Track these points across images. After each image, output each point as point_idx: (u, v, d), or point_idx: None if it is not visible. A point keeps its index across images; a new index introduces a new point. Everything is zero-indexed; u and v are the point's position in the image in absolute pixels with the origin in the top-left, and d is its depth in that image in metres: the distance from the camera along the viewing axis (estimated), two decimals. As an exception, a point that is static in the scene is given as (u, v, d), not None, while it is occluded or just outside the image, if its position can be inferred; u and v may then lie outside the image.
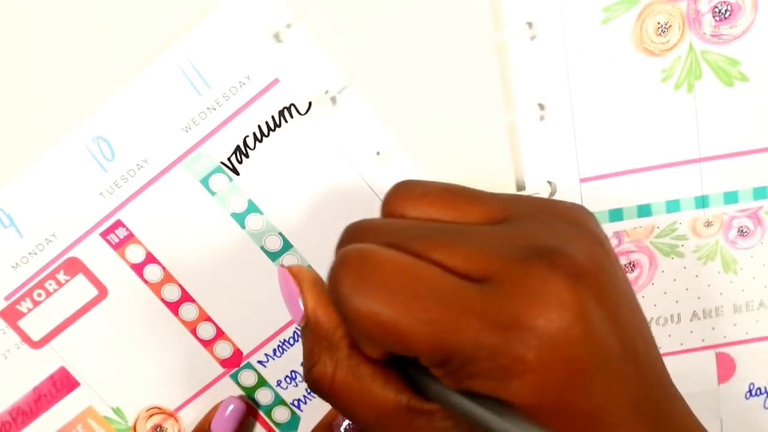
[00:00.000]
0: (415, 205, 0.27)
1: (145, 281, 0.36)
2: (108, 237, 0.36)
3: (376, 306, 0.24)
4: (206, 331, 0.37)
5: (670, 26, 0.35)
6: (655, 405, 0.26)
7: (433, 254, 0.25)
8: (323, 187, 0.35)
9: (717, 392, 0.39)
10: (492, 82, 0.35)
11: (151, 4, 0.33)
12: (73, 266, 0.36)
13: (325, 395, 0.27)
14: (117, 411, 0.38)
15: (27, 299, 0.36)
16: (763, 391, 0.39)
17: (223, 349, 0.37)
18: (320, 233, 0.36)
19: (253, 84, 0.34)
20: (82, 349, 0.37)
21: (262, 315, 0.37)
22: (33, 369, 0.37)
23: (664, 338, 0.38)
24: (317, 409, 0.38)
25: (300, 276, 0.28)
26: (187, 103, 0.34)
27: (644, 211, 0.37)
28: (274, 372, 0.38)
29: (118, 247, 0.36)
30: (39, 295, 0.36)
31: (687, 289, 0.38)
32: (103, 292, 0.36)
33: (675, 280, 0.38)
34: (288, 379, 0.38)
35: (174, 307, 0.37)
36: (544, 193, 0.36)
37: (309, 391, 0.38)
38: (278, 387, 0.38)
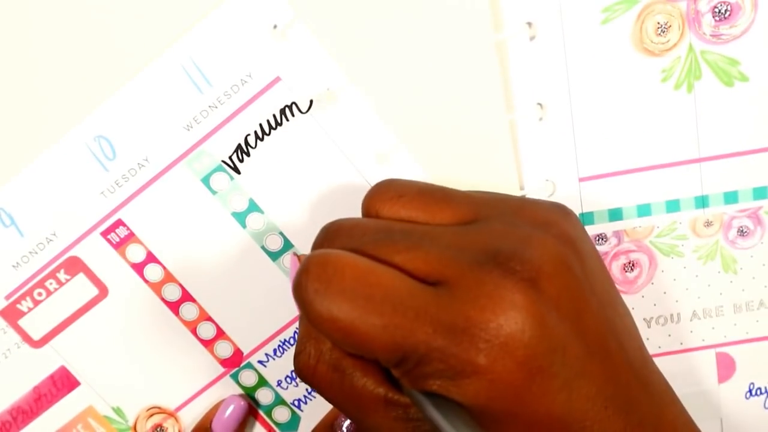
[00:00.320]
0: (389, 206, 0.29)
1: (146, 281, 0.36)
2: (109, 236, 0.36)
3: (334, 311, 0.25)
4: (206, 330, 0.37)
5: (670, 26, 0.35)
6: (629, 401, 0.26)
7: (395, 258, 0.27)
8: (324, 187, 0.35)
9: (717, 392, 0.39)
10: (492, 82, 0.35)
11: (153, 3, 0.33)
12: (74, 265, 0.36)
13: (308, 384, 0.29)
14: (117, 411, 0.38)
15: (27, 298, 0.36)
16: (763, 390, 0.39)
17: (224, 349, 0.37)
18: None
19: (255, 82, 0.34)
20: (83, 348, 0.37)
21: (263, 315, 0.37)
22: (33, 368, 0.37)
23: (664, 338, 0.38)
24: (318, 409, 0.38)
25: None
26: (189, 102, 0.34)
27: (644, 210, 0.37)
28: (274, 372, 0.38)
29: (119, 246, 0.36)
30: (39, 294, 0.36)
31: (687, 289, 0.38)
32: (103, 291, 0.36)
33: (675, 279, 0.38)
34: (288, 379, 0.38)
35: (174, 306, 0.37)
36: (544, 192, 0.36)
37: (309, 391, 0.38)
38: (278, 387, 0.38)
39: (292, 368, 0.38)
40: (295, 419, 0.39)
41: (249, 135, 0.35)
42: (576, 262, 0.27)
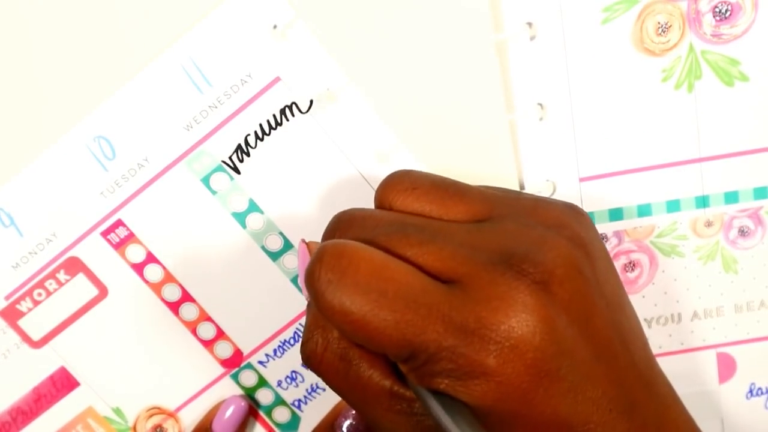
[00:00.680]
0: (403, 198, 0.29)
1: (146, 281, 0.36)
2: (108, 236, 0.36)
3: (347, 304, 0.25)
4: (206, 331, 0.37)
5: (671, 26, 0.35)
6: (633, 403, 0.26)
7: (408, 252, 0.26)
8: (324, 187, 0.35)
9: (718, 392, 0.39)
10: (492, 82, 0.35)
11: (153, 3, 0.33)
12: (74, 266, 0.36)
13: (315, 372, 0.28)
14: (117, 411, 0.38)
15: (27, 299, 0.36)
16: (764, 391, 0.39)
17: (224, 350, 0.37)
18: (321, 233, 0.36)
19: (255, 82, 0.34)
20: (82, 349, 0.37)
21: (263, 315, 0.37)
22: (33, 369, 0.37)
23: (664, 338, 0.38)
24: (318, 409, 0.38)
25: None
26: (189, 102, 0.34)
27: (644, 210, 0.37)
28: (274, 372, 0.38)
29: (119, 246, 0.36)
30: (39, 294, 0.36)
31: (688, 289, 0.38)
32: (103, 291, 0.36)
33: (675, 280, 0.38)
34: (288, 380, 0.38)
35: (174, 307, 0.37)
36: (544, 192, 0.36)
37: (309, 391, 0.38)
38: (279, 387, 0.38)
39: (292, 368, 0.38)
40: (295, 420, 0.39)
41: (249, 135, 0.35)
42: (587, 265, 0.27)
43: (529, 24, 0.34)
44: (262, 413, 0.38)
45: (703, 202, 0.37)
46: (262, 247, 0.36)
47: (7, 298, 0.36)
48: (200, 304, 0.37)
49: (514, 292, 0.25)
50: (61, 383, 0.37)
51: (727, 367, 0.39)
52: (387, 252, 0.26)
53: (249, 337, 0.37)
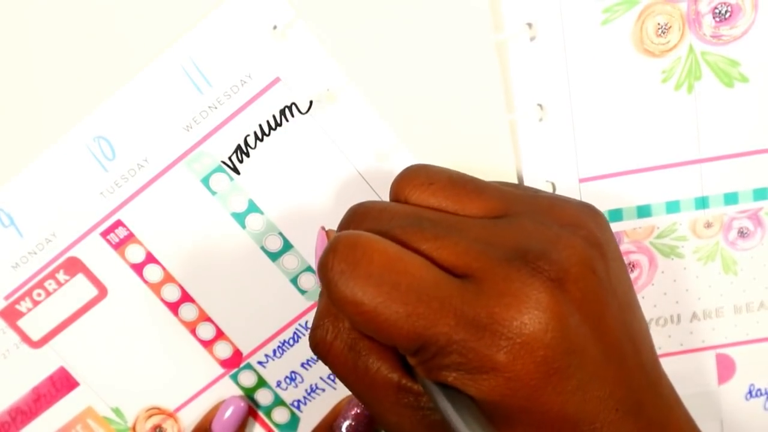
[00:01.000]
0: (419, 192, 0.29)
1: (145, 281, 0.36)
2: (108, 237, 0.36)
3: (359, 295, 0.25)
4: (206, 331, 0.37)
5: (670, 27, 0.35)
6: (639, 404, 0.26)
7: (422, 245, 0.26)
8: (324, 187, 0.35)
9: (717, 393, 0.39)
10: (492, 83, 0.35)
11: (153, 3, 0.33)
12: (73, 266, 0.36)
13: (322, 359, 0.28)
14: (116, 411, 0.38)
15: (27, 299, 0.36)
16: (763, 392, 0.39)
17: (223, 350, 0.37)
18: (320, 233, 0.36)
19: (255, 83, 0.34)
20: (82, 349, 0.37)
21: (263, 315, 0.37)
22: (32, 369, 0.37)
23: (664, 339, 0.38)
24: (317, 410, 0.38)
25: None
26: (189, 102, 0.34)
27: (644, 211, 0.37)
28: (273, 373, 0.38)
29: (118, 246, 0.36)
30: (39, 294, 0.36)
31: (687, 290, 0.38)
32: (103, 292, 0.36)
33: (675, 280, 0.38)
34: (288, 380, 0.38)
35: (174, 307, 0.37)
36: (544, 193, 0.36)
37: (309, 392, 0.38)
38: (278, 388, 0.38)
39: (292, 369, 0.38)
40: (294, 420, 0.38)
41: (249, 135, 0.35)
42: (601, 266, 0.27)
43: (529, 24, 0.34)
44: (261, 414, 0.38)
45: (702, 203, 0.37)
46: (262, 248, 0.36)
47: (6, 298, 0.36)
48: (200, 305, 0.37)
49: (528, 288, 0.25)
50: (61, 383, 0.37)
51: (726, 368, 0.39)
52: (401, 245, 0.26)
53: (248, 337, 0.37)
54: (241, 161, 0.35)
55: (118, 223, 0.36)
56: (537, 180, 0.36)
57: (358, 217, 0.28)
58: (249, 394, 0.38)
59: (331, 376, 0.38)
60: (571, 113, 0.35)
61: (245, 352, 0.37)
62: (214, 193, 0.35)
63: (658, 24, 0.35)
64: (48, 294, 0.36)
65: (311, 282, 0.37)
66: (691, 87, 0.35)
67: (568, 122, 0.35)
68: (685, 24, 0.35)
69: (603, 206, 0.36)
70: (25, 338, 0.36)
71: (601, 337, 0.26)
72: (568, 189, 0.36)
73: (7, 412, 0.37)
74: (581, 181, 0.36)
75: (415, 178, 0.29)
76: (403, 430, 0.28)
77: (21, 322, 0.36)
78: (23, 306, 0.36)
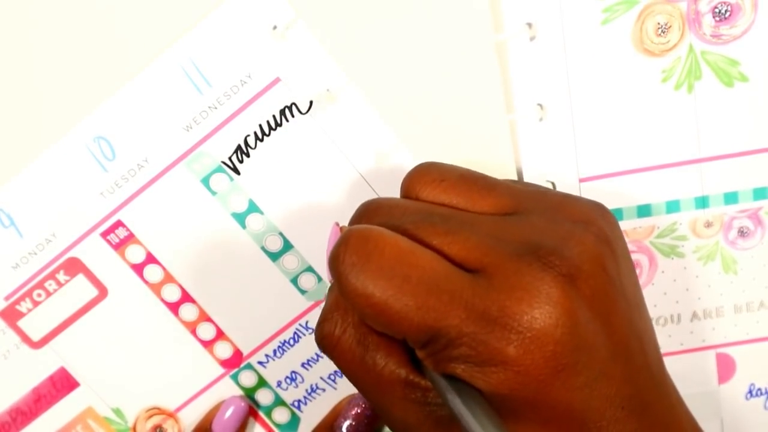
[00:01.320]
0: (430, 189, 0.29)
1: (145, 281, 0.36)
2: (108, 237, 0.36)
3: (370, 287, 0.25)
4: (206, 331, 0.37)
5: (670, 27, 0.35)
6: (644, 403, 0.26)
7: (434, 240, 0.26)
8: (324, 187, 0.35)
9: (717, 393, 0.39)
10: (492, 83, 0.35)
11: (153, 3, 0.33)
12: (73, 266, 0.36)
13: (328, 353, 0.28)
14: (117, 411, 0.38)
15: (27, 299, 0.36)
16: (763, 391, 0.39)
17: (223, 350, 0.37)
18: (321, 233, 0.36)
19: (255, 83, 0.34)
20: (82, 349, 0.37)
21: (263, 315, 0.37)
22: (32, 369, 0.37)
23: (664, 338, 0.38)
24: (317, 410, 0.38)
25: None
26: (189, 102, 0.34)
27: (644, 211, 0.37)
28: (274, 373, 0.38)
29: (119, 247, 0.36)
30: (39, 295, 0.36)
31: (687, 290, 0.38)
32: (103, 292, 0.36)
33: (675, 280, 0.38)
34: (288, 380, 0.38)
35: (174, 307, 0.37)
36: (544, 193, 0.36)
37: (309, 392, 0.38)
38: (278, 388, 0.38)
39: (292, 369, 0.38)
40: (294, 420, 0.39)
41: (249, 136, 0.35)
42: (612, 263, 0.27)
43: (529, 24, 0.34)
44: (261, 414, 0.38)
45: (702, 202, 0.37)
46: (262, 248, 0.36)
47: (6, 298, 0.36)
48: (200, 305, 0.37)
49: (540, 283, 0.25)
50: (61, 383, 0.37)
51: (726, 368, 0.39)
52: (413, 240, 0.26)
53: (249, 337, 0.37)
54: (241, 161, 0.35)
55: (119, 224, 0.36)
56: (537, 180, 0.36)
57: (370, 212, 0.29)
58: (249, 394, 0.38)
59: (332, 376, 0.38)
60: (571, 113, 0.35)
61: (245, 352, 0.37)
62: (214, 193, 0.35)
63: (658, 23, 0.35)
64: (48, 294, 0.36)
65: (311, 282, 0.37)
66: (691, 87, 0.35)
67: (568, 122, 0.35)
68: (685, 23, 0.35)
69: (603, 206, 0.36)
70: (25, 339, 0.36)
71: (610, 335, 0.26)
72: (568, 189, 0.36)
73: (7, 413, 0.37)
74: (581, 180, 0.36)
75: (427, 175, 0.29)
76: (408, 426, 0.28)
77: (21, 323, 0.36)
78: (23, 306, 0.36)
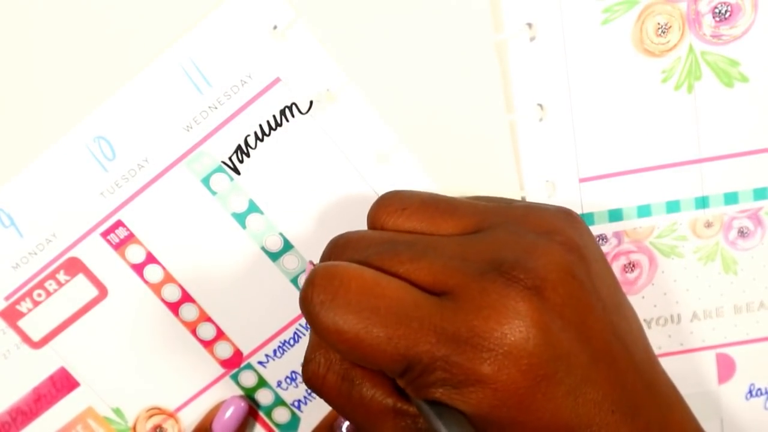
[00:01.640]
0: (394, 218, 0.29)
1: (146, 281, 0.36)
2: (108, 237, 0.36)
3: (340, 323, 0.26)
4: (206, 331, 0.37)
5: (670, 27, 0.35)
6: (636, 405, 0.26)
7: (400, 269, 0.27)
8: (324, 187, 0.35)
9: (717, 393, 0.39)
10: (492, 83, 0.35)
11: (153, 3, 0.33)
12: (74, 266, 0.36)
13: (316, 392, 0.29)
14: (117, 411, 0.38)
15: (27, 299, 0.36)
16: (763, 391, 0.39)
17: (224, 350, 0.37)
18: (321, 234, 0.36)
19: (255, 83, 0.34)
20: (82, 349, 0.37)
21: (263, 315, 0.37)
22: (33, 369, 0.37)
23: (664, 339, 0.38)
24: (317, 410, 0.38)
25: None
26: (189, 102, 0.34)
27: (644, 211, 0.37)
28: (274, 373, 0.38)
29: (119, 247, 0.36)
30: (39, 295, 0.36)
31: (687, 290, 0.38)
32: (103, 292, 0.36)
33: (675, 280, 0.38)
34: (288, 380, 0.38)
35: (174, 307, 0.37)
36: (544, 193, 0.36)
37: (309, 392, 0.38)
38: (278, 388, 0.38)
39: (292, 369, 0.38)
40: (294, 420, 0.39)
41: (249, 136, 0.35)
42: (581, 269, 0.27)
43: (529, 24, 0.34)
44: (261, 414, 0.38)
45: (702, 202, 0.37)
46: (262, 248, 0.36)
47: (7, 298, 0.36)
48: (200, 305, 0.37)
49: (505, 299, 0.25)
50: (61, 383, 0.37)
51: (726, 368, 0.39)
52: (380, 271, 0.27)
53: (249, 337, 0.37)
54: (241, 161, 0.35)
55: (119, 224, 0.36)
56: (537, 180, 0.36)
57: (339, 247, 0.29)
58: (249, 394, 0.38)
59: (332, 376, 0.38)
60: (571, 113, 0.35)
61: (246, 352, 0.37)
62: (214, 193, 0.35)
63: (658, 24, 0.35)
64: (48, 294, 0.36)
65: (311, 282, 0.37)
66: (691, 87, 0.35)
67: (568, 122, 0.35)
68: (685, 24, 0.35)
69: (603, 206, 0.36)
70: (25, 338, 0.36)
71: (587, 341, 0.26)
72: (568, 189, 0.36)
73: (7, 413, 0.37)
74: (581, 181, 0.36)
75: (389, 205, 0.30)
76: None
77: (21, 323, 0.36)
78: (24, 306, 0.36)
